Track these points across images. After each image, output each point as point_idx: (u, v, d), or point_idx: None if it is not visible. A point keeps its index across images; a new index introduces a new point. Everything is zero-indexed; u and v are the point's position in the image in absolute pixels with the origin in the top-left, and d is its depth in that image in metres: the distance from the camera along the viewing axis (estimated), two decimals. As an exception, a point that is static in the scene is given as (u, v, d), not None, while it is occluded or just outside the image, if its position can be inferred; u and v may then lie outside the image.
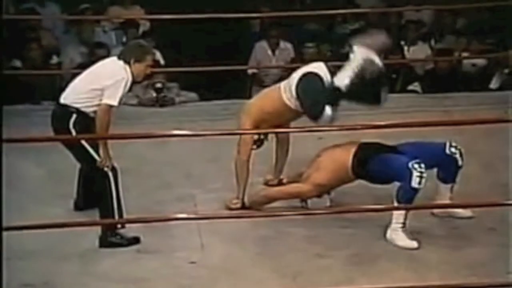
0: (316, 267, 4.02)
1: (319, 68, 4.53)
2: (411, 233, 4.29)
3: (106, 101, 4.16)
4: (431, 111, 6.20)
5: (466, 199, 4.54)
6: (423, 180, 4.17)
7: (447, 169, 4.43)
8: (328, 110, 4.39)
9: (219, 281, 3.90)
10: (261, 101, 4.66)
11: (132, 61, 4.26)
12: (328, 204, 4.59)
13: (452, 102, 6.42)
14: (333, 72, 4.50)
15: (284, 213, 4.39)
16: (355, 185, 4.60)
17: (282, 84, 4.63)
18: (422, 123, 4.64)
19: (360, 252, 4.15)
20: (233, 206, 4.59)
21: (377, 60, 4.33)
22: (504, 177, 4.92)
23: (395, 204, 4.20)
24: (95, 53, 6.73)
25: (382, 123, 4.33)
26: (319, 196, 4.55)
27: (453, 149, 4.42)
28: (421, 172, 4.16)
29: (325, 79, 4.47)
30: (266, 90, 4.90)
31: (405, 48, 7.25)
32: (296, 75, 4.55)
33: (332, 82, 4.39)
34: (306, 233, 4.34)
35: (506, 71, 6.95)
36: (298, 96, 4.48)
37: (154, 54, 4.42)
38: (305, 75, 4.49)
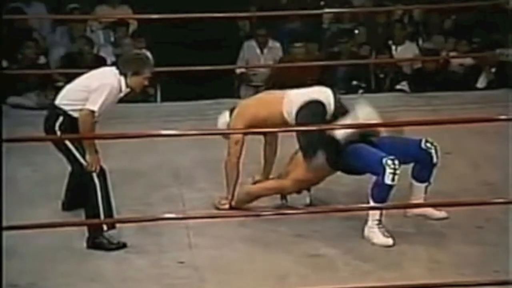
0: (305, 266, 4.02)
1: (325, 95, 4.46)
2: (401, 231, 4.31)
3: (87, 105, 4.15)
4: (419, 110, 6.22)
5: (453, 198, 4.55)
6: (396, 177, 4.17)
7: (422, 165, 4.40)
8: (321, 157, 4.39)
9: (207, 281, 3.90)
10: (258, 107, 4.57)
11: (129, 74, 4.23)
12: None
13: (439, 101, 6.44)
14: (339, 101, 4.46)
15: (272, 212, 4.39)
16: (340, 183, 4.61)
17: (286, 96, 4.51)
18: (410, 122, 4.65)
19: (348, 251, 4.16)
20: (221, 207, 4.59)
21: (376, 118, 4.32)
22: (491, 176, 4.95)
23: (370, 201, 4.21)
24: (81, 49, 6.72)
25: (372, 122, 4.35)
26: (298, 192, 4.56)
27: (428, 144, 4.41)
28: (395, 169, 4.16)
29: (328, 108, 4.43)
30: (265, 95, 4.77)
31: (393, 47, 7.27)
32: (300, 97, 4.45)
33: (332, 133, 4.33)
34: (294, 233, 4.34)
35: (493, 70, 6.99)
36: (296, 122, 4.43)
37: (152, 66, 4.36)
38: (309, 103, 4.41)
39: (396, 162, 4.18)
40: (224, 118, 4.72)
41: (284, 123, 4.50)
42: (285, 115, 4.48)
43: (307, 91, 4.54)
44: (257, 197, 4.58)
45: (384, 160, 4.18)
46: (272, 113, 4.49)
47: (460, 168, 5.10)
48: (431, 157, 4.39)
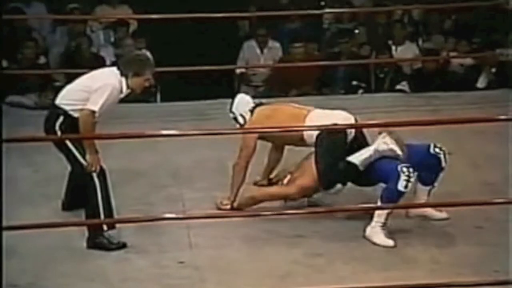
0: (305, 266, 4.02)
1: (346, 120, 4.43)
2: (401, 232, 4.31)
3: (88, 106, 4.15)
4: (419, 110, 6.23)
5: (453, 198, 4.55)
6: (410, 185, 4.19)
7: (429, 169, 4.41)
8: (338, 187, 4.42)
9: (208, 281, 3.90)
10: (280, 119, 4.49)
11: (130, 75, 4.23)
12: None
13: (439, 101, 6.45)
14: (360, 129, 4.45)
15: (272, 213, 4.39)
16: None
17: (309, 114, 4.48)
18: (410, 123, 4.65)
19: (348, 251, 4.16)
20: (223, 207, 4.59)
21: (398, 151, 4.32)
22: (491, 176, 4.95)
23: (379, 204, 4.21)
24: (80, 47, 6.73)
25: (372, 122, 4.36)
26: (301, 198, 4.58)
27: (437, 149, 4.43)
28: (409, 176, 4.18)
29: (349, 135, 4.41)
30: (289, 107, 4.65)
31: (393, 47, 7.27)
32: (322, 121, 4.41)
33: (347, 160, 4.34)
34: (294, 233, 4.34)
35: (493, 70, 6.99)
36: (316, 148, 4.42)
37: (153, 67, 4.36)
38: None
39: (411, 169, 4.20)
40: (245, 106, 4.68)
41: (301, 140, 4.50)
42: (305, 135, 4.47)
43: (330, 114, 4.51)
44: (260, 201, 4.57)
45: (399, 167, 4.20)
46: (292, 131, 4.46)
47: (460, 168, 5.10)
48: (440, 162, 4.41)
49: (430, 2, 7.47)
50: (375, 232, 4.22)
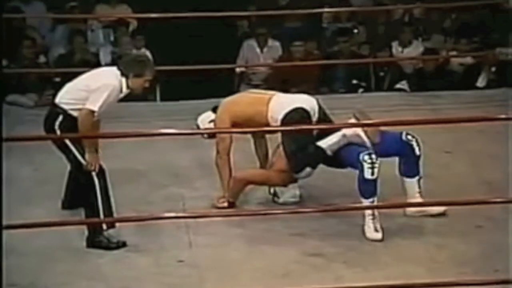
0: (304, 265, 4.02)
1: (310, 103, 4.49)
2: (400, 231, 4.31)
3: (87, 105, 4.15)
4: (419, 110, 6.23)
5: (453, 197, 4.55)
6: (376, 170, 4.19)
7: (406, 159, 4.41)
8: (307, 170, 4.45)
9: (207, 280, 3.90)
10: (245, 105, 4.59)
11: (131, 76, 4.23)
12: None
13: (439, 100, 6.45)
14: (323, 111, 4.50)
15: (271, 212, 4.39)
16: (337, 184, 4.63)
17: (272, 98, 4.54)
18: (410, 122, 4.65)
19: (347, 250, 4.16)
20: (220, 205, 4.60)
21: (364, 138, 4.33)
22: (491, 175, 4.95)
23: (360, 198, 4.22)
24: (74, 39, 6.73)
25: (370, 121, 4.36)
26: (285, 185, 4.59)
27: (409, 137, 4.42)
28: (372, 163, 4.18)
29: (312, 116, 4.46)
30: (252, 94, 4.80)
31: (399, 48, 7.26)
32: (286, 104, 4.47)
33: (317, 144, 4.38)
34: (294, 232, 4.35)
35: (493, 69, 7.00)
36: (281, 133, 4.47)
37: (153, 68, 4.37)
38: (295, 110, 4.42)
39: (373, 156, 4.21)
40: (207, 117, 4.74)
41: (267, 126, 4.54)
42: (270, 119, 4.51)
43: (293, 97, 4.60)
44: (243, 182, 4.57)
45: (361, 156, 4.20)
46: (258, 112, 4.52)
47: (460, 167, 5.11)
48: (413, 149, 4.41)
49: (430, 1, 7.47)
50: (367, 225, 4.24)
